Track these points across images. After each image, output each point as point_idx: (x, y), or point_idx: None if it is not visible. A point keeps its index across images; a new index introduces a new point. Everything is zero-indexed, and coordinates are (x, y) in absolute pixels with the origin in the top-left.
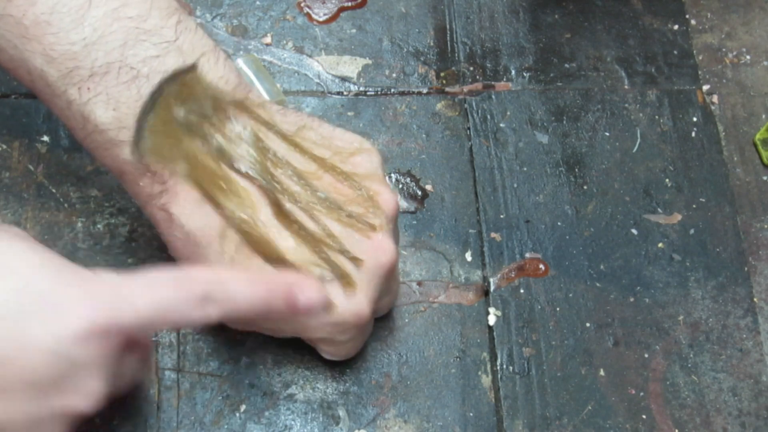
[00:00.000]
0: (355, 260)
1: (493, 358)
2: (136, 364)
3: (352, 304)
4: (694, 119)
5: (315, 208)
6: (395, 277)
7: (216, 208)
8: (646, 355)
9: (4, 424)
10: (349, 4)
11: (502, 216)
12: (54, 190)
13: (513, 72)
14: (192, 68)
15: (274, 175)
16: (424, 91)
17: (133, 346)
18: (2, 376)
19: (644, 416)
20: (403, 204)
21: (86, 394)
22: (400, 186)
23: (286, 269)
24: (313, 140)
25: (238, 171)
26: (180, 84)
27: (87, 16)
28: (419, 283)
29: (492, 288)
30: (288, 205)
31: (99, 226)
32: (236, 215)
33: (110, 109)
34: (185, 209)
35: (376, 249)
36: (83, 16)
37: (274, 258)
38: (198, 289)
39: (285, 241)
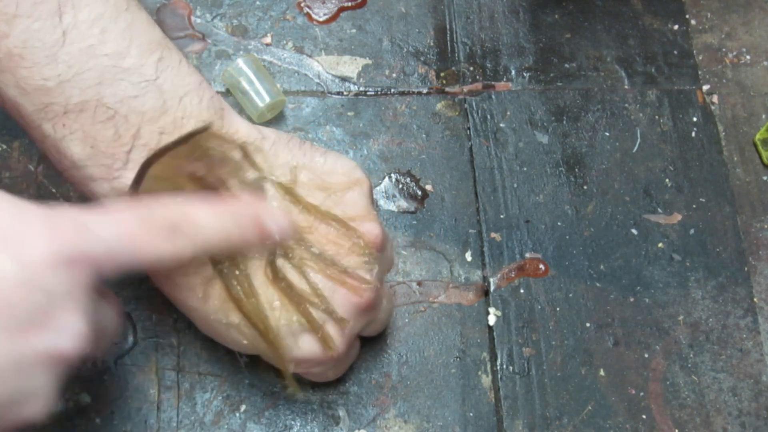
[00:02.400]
0: (342, 321)
1: (493, 358)
2: (110, 315)
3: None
4: (694, 119)
5: (307, 264)
6: (380, 309)
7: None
8: (646, 355)
9: None
10: (349, 4)
11: (502, 216)
12: (54, 190)
13: (513, 72)
14: (205, 128)
15: None
16: (424, 91)
17: (104, 295)
18: None
19: (644, 416)
20: (403, 204)
21: (67, 331)
22: (400, 186)
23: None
24: (306, 183)
25: None
26: (192, 142)
27: (61, 53)
28: (419, 283)
29: (492, 288)
30: (279, 261)
31: None
32: (229, 270)
33: (87, 146)
34: None
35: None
36: (57, 52)
37: (252, 316)
38: (162, 219)
39: (270, 302)
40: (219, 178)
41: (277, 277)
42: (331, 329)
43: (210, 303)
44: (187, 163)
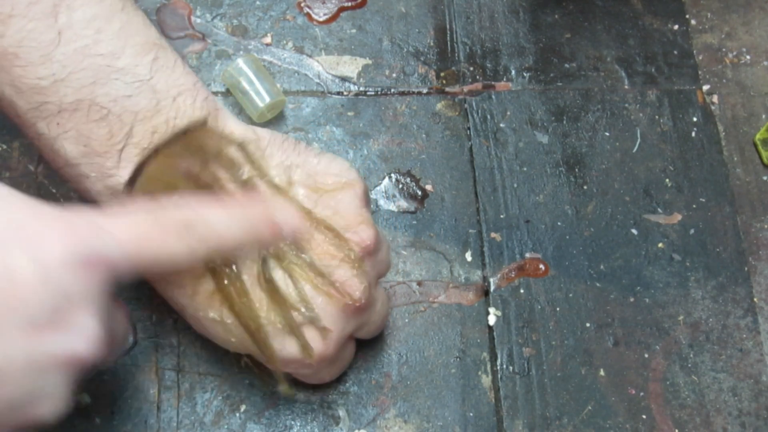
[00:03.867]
0: (324, 330)
1: (493, 358)
2: (122, 321)
3: (313, 345)
4: (694, 119)
5: (296, 271)
6: (374, 311)
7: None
8: (646, 355)
9: (2, 368)
10: (349, 4)
11: (502, 216)
12: (54, 190)
13: (513, 72)
14: (202, 123)
15: None
16: (424, 91)
17: (115, 301)
18: None
19: (644, 416)
20: (403, 204)
21: (82, 333)
22: (400, 186)
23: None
24: (301, 184)
25: None
26: (187, 139)
27: (56, 53)
28: (419, 283)
29: (492, 288)
30: (270, 262)
31: None
32: (221, 268)
33: (80, 145)
34: None
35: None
36: (52, 52)
37: (244, 315)
38: (176, 220)
39: (259, 301)
40: (214, 175)
41: (265, 278)
42: (312, 337)
43: (198, 299)
44: (182, 160)
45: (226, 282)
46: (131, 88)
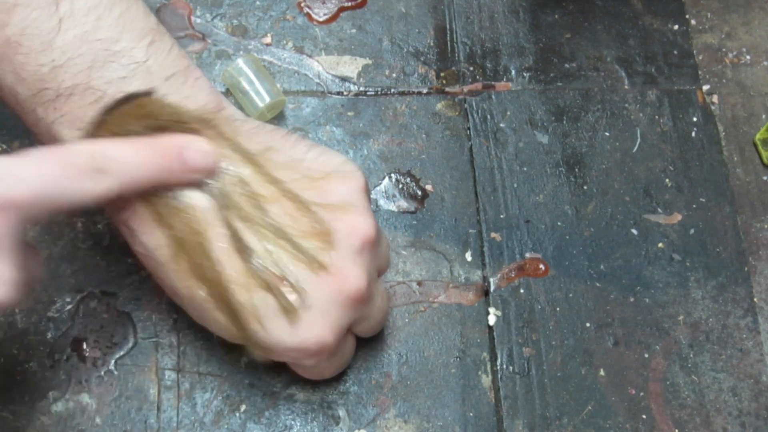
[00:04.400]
0: (299, 291)
1: (493, 358)
2: (35, 263)
3: (312, 331)
4: (694, 119)
5: (263, 233)
6: (373, 305)
7: (167, 229)
8: (646, 355)
9: None
10: (349, 4)
11: (502, 216)
12: None
13: (513, 72)
14: (147, 93)
15: (228, 193)
16: (424, 91)
17: (26, 244)
18: None
19: (644, 416)
20: (403, 204)
21: None
22: (400, 186)
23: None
24: (278, 161)
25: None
26: (136, 104)
27: (56, 40)
28: (419, 283)
29: (492, 288)
30: (237, 224)
31: (99, 226)
32: (187, 239)
33: (74, 129)
34: (143, 227)
35: (337, 277)
36: (53, 39)
37: (218, 284)
38: (83, 160)
39: (233, 269)
40: None
41: (240, 243)
42: (291, 297)
43: (179, 274)
44: (135, 122)
45: (196, 251)
46: (127, 70)
